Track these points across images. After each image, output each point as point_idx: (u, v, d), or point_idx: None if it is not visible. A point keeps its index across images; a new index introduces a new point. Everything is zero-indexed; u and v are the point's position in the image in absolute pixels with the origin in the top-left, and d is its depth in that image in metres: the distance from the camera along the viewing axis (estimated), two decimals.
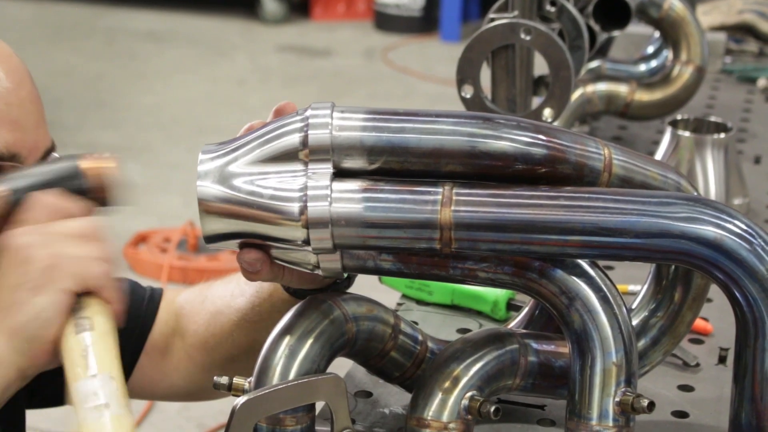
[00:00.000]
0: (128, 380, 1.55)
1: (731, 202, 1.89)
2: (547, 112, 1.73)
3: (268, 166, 1.10)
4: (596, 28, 2.03)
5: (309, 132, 1.09)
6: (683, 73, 2.19)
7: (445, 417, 1.15)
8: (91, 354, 1.10)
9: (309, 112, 1.10)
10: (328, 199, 1.08)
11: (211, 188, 1.10)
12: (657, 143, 2.02)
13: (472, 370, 1.16)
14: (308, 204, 1.08)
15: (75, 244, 1.14)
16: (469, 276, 1.15)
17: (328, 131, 1.09)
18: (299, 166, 1.09)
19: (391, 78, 6.68)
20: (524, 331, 1.27)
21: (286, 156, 1.09)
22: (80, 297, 1.14)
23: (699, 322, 1.55)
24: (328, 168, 1.09)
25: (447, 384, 1.15)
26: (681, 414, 1.38)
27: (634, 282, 1.63)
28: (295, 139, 1.09)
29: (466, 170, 1.10)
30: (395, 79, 6.65)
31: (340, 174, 1.10)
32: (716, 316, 1.58)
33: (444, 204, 1.08)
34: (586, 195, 1.09)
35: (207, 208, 1.10)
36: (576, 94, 2.18)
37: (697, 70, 2.18)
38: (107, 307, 1.15)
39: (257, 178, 1.09)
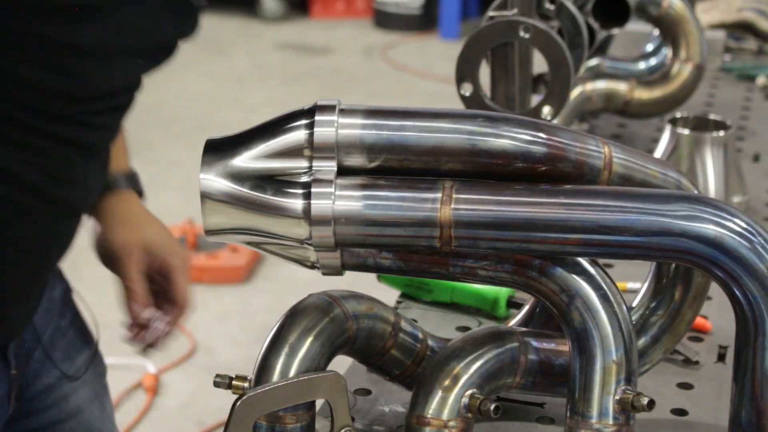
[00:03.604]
0: None
1: (730, 200, 1.89)
2: (546, 110, 1.73)
3: (272, 162, 1.09)
4: (595, 26, 2.03)
5: (315, 129, 1.09)
6: (682, 71, 2.19)
7: (445, 415, 1.15)
8: None
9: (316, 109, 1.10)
10: (332, 197, 1.08)
11: (214, 181, 1.09)
12: (656, 141, 2.02)
13: (472, 368, 1.16)
14: (312, 201, 1.08)
15: None
16: (469, 274, 1.14)
17: (333, 129, 1.09)
18: (304, 163, 1.09)
19: (390, 76, 6.68)
20: (524, 329, 1.26)
21: (291, 152, 1.09)
22: None
23: (698, 320, 1.55)
24: (332, 166, 1.09)
25: (447, 382, 1.15)
26: (680, 412, 1.38)
27: (633, 279, 1.63)
28: (300, 135, 1.09)
29: (466, 168, 1.09)
30: (394, 77, 6.65)
31: (340, 172, 1.09)
32: (715, 314, 1.58)
33: (444, 202, 1.08)
34: (587, 193, 1.09)
35: (209, 201, 1.09)
36: (575, 92, 2.18)
37: (696, 68, 2.18)
38: None
39: (261, 173, 1.09)
